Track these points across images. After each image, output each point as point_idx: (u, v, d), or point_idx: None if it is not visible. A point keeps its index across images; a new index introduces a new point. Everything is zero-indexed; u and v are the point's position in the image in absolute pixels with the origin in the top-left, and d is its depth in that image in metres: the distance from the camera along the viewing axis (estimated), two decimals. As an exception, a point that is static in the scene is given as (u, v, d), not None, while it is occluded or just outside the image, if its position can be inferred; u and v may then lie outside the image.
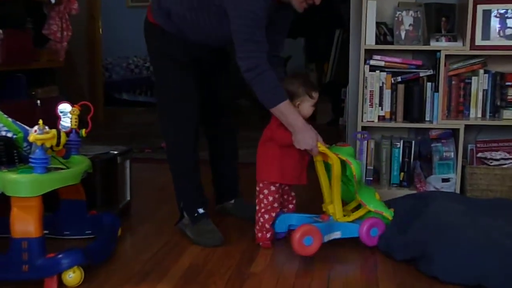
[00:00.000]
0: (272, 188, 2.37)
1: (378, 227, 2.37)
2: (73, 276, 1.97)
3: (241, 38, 2.18)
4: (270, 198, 2.37)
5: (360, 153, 2.99)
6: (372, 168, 3.06)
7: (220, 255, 2.33)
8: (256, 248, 2.39)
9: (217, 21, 2.29)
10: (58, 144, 2.11)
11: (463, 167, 2.98)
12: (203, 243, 2.40)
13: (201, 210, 2.47)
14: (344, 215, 2.40)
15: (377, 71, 2.97)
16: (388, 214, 2.41)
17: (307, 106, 2.34)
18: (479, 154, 3.03)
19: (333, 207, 2.36)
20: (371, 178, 3.06)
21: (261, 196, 2.38)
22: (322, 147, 2.29)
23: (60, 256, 1.97)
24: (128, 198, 2.90)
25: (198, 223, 2.47)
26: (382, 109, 2.99)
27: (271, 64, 2.24)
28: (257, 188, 2.40)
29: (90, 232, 2.43)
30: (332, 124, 5.91)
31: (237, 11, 2.17)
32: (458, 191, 2.97)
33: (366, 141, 2.93)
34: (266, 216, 2.38)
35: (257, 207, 2.40)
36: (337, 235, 2.34)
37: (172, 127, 2.44)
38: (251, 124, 3.76)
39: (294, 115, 2.24)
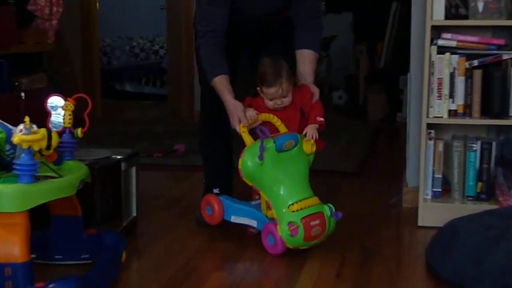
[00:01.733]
0: None
1: (274, 236, 2.56)
2: (67, 310, 1.99)
3: (196, 17, 2.89)
4: None
5: (427, 158, 2.98)
6: (440, 176, 3.04)
7: (251, 283, 2.35)
8: (296, 273, 2.41)
9: None
10: (48, 147, 2.13)
11: (558, 176, 2.95)
12: (196, 217, 2.98)
13: (216, 191, 2.95)
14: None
15: (447, 54, 2.95)
16: (283, 233, 2.51)
17: (265, 97, 2.71)
18: None
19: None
20: (440, 190, 3.03)
21: None
22: (243, 130, 2.66)
23: (51, 285, 1.98)
24: (134, 214, 2.93)
25: None
26: (453, 102, 2.97)
27: (306, 28, 2.87)
28: None
29: (87, 256, 2.46)
30: (387, 121, 5.88)
31: None
32: (552, 206, 2.93)
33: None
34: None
35: None
36: (253, 223, 2.71)
37: (204, 100, 3.08)
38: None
39: (223, 92, 2.75)
